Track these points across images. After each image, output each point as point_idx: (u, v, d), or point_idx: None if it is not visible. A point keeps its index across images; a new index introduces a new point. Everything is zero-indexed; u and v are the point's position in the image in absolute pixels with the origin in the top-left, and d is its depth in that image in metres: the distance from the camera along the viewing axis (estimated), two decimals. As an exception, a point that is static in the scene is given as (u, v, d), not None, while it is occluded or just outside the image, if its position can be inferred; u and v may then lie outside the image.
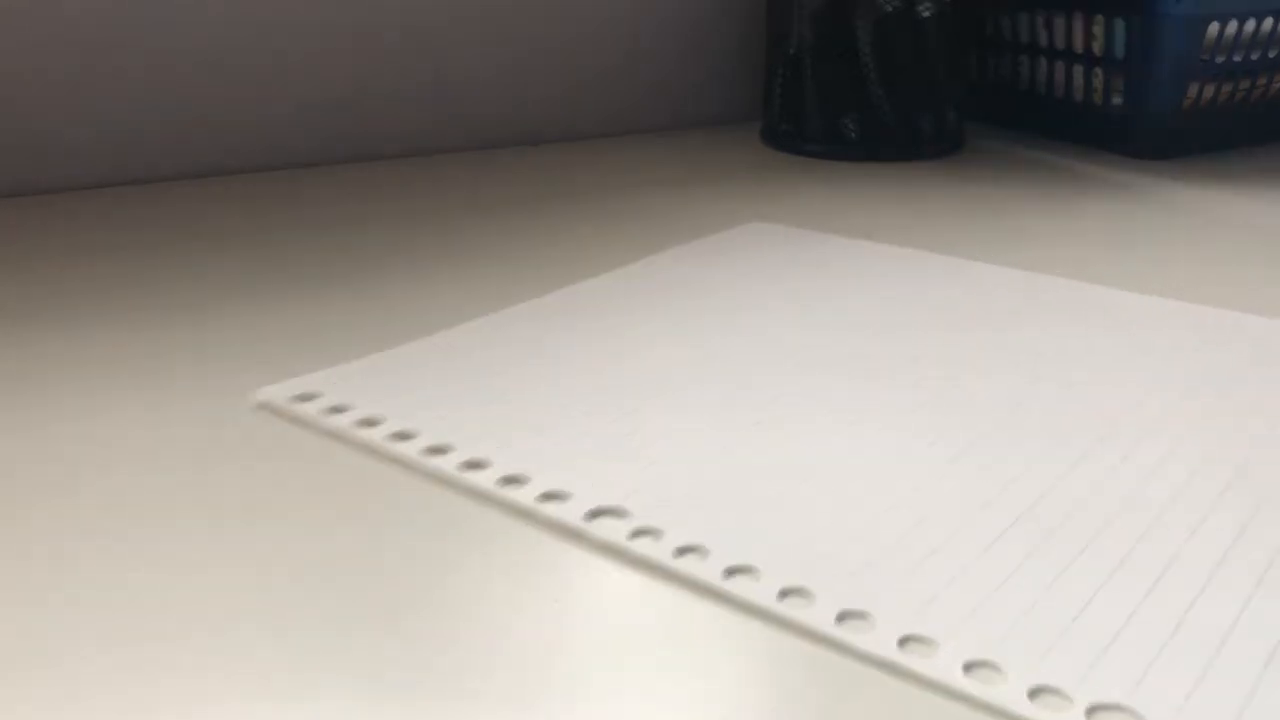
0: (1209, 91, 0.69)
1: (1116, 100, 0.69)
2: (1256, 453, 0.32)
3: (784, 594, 0.25)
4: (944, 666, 0.22)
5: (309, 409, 0.33)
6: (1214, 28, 0.66)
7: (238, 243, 0.52)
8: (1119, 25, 0.67)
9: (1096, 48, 0.69)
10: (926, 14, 0.67)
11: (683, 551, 0.26)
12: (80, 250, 0.50)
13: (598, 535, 0.27)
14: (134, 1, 0.60)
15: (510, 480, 0.29)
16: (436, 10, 0.68)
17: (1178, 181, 0.65)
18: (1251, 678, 0.22)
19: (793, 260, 0.48)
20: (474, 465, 0.30)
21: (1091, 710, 0.21)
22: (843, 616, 0.24)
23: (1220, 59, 0.68)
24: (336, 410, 0.33)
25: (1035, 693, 0.22)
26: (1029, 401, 0.35)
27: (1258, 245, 0.53)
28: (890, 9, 0.66)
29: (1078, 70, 0.71)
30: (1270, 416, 0.34)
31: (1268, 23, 0.68)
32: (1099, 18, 0.68)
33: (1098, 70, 0.70)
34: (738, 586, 0.25)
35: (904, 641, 0.23)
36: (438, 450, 0.31)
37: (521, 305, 0.43)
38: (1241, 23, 0.67)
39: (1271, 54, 0.70)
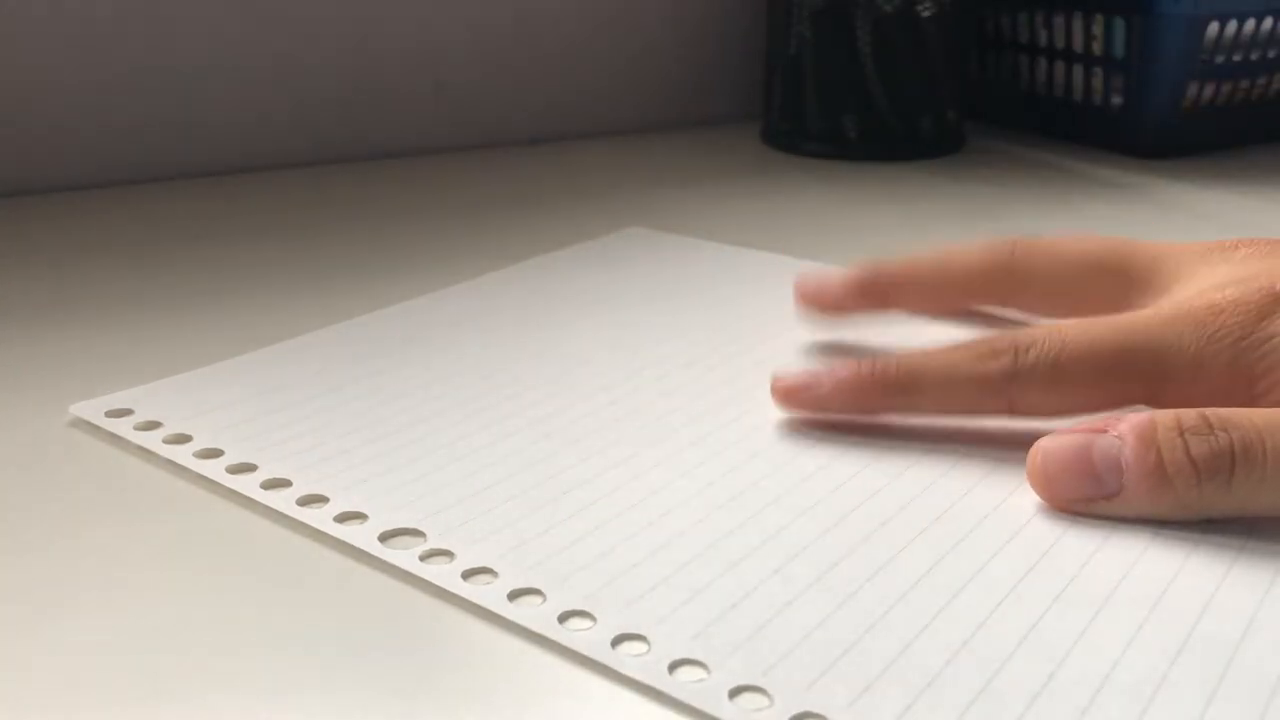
0: (1209, 91, 0.69)
1: (1116, 100, 0.69)
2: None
3: (564, 617, 0.25)
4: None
5: (120, 424, 0.33)
6: (1214, 28, 0.66)
7: (225, 240, 0.52)
8: (1119, 25, 0.67)
9: (1096, 48, 0.69)
10: (926, 14, 0.67)
11: (472, 574, 0.26)
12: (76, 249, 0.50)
13: (389, 557, 0.27)
14: (134, 1, 0.60)
15: (309, 500, 0.29)
16: (436, 10, 0.68)
17: (1178, 181, 0.65)
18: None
19: (663, 269, 0.48)
20: (274, 484, 0.30)
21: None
22: (619, 640, 0.24)
23: (1220, 59, 0.68)
24: (149, 426, 0.33)
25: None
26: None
27: (1258, 245, 0.52)
28: (890, 9, 0.66)
29: (1078, 70, 0.71)
30: None
31: (1268, 23, 0.68)
32: (1099, 17, 0.68)
33: (1098, 70, 0.70)
34: (520, 610, 0.25)
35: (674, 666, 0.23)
36: (242, 468, 0.31)
37: (387, 309, 0.42)
38: (1241, 23, 0.67)
39: (1271, 54, 0.70)
